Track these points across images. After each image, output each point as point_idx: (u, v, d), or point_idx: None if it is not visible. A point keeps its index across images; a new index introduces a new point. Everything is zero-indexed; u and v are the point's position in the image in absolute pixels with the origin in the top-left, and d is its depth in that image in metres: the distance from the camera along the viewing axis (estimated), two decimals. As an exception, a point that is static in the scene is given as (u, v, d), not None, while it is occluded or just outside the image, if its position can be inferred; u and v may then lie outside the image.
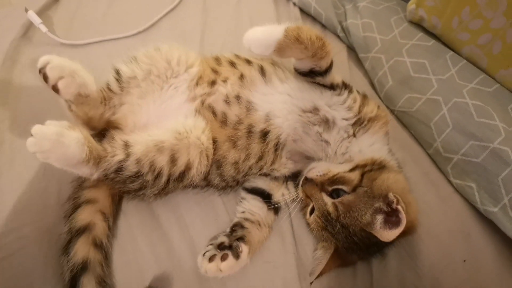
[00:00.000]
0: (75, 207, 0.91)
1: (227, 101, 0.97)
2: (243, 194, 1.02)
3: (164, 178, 0.88)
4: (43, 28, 1.33)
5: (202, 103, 0.98)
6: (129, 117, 0.97)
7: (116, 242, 0.95)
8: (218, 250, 0.86)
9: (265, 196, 1.01)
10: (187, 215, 1.00)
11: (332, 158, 0.97)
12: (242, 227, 0.93)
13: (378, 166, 0.92)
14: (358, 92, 1.00)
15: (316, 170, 0.93)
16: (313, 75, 0.92)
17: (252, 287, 0.91)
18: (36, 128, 0.77)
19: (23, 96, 1.17)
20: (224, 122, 0.96)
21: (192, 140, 0.90)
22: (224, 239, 0.90)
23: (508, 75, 1.08)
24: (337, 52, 1.40)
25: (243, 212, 0.98)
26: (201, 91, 1.00)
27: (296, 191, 0.98)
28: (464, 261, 0.95)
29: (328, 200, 0.89)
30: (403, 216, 0.78)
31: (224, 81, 1.00)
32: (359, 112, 0.96)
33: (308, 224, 0.97)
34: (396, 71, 1.21)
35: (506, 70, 1.07)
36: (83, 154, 0.79)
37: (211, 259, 0.84)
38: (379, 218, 0.82)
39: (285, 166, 1.00)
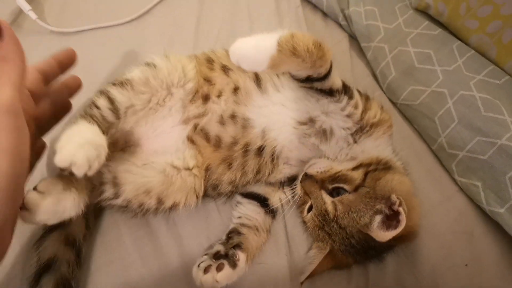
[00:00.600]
0: None
1: (221, 122, 0.90)
2: (239, 198, 0.97)
3: (152, 211, 0.87)
4: (33, 15, 1.29)
5: (195, 127, 0.92)
6: (121, 138, 0.91)
7: (100, 239, 0.91)
8: (214, 260, 0.81)
9: (261, 200, 0.96)
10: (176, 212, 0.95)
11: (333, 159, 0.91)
12: (239, 233, 0.89)
13: (383, 166, 0.86)
14: (360, 93, 0.90)
15: (317, 166, 0.87)
16: (311, 81, 0.81)
17: (242, 289, 0.87)
18: (29, 203, 0.68)
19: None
20: (217, 145, 0.91)
21: (177, 185, 0.87)
22: (219, 247, 0.85)
23: (519, 66, 1.01)
24: (338, 42, 1.33)
25: (240, 217, 0.93)
26: (195, 110, 0.92)
27: (292, 193, 0.93)
28: (466, 265, 0.89)
29: (327, 198, 0.84)
30: (403, 217, 0.73)
31: (218, 96, 0.92)
32: (361, 119, 0.87)
33: (304, 223, 0.92)
34: (399, 62, 1.14)
35: (517, 61, 1.00)
36: (79, 210, 0.76)
37: (206, 270, 0.79)
38: (378, 218, 0.77)
39: (281, 172, 0.94)
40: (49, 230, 0.84)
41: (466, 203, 0.97)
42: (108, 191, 0.82)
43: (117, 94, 0.83)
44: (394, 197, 0.77)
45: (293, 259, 0.91)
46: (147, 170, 0.87)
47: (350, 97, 0.85)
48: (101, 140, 0.74)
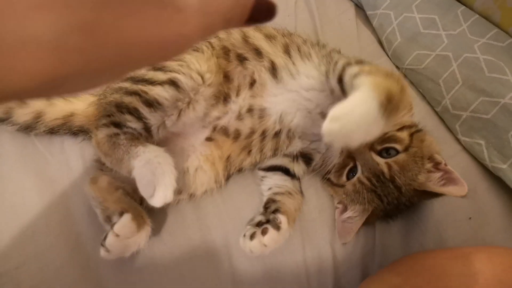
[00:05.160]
0: None
1: (239, 118, 0.91)
2: (262, 173, 0.99)
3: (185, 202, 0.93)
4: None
5: (214, 129, 0.92)
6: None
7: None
8: (257, 228, 0.82)
9: (283, 170, 0.97)
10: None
11: None
12: (274, 201, 0.90)
13: (418, 128, 0.90)
14: None
15: None
16: None
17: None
18: (110, 245, 0.75)
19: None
20: (236, 137, 0.92)
21: (201, 182, 0.91)
22: (260, 217, 0.87)
23: (523, 29, 1.03)
24: (344, 11, 1.34)
25: (270, 188, 0.95)
26: (216, 114, 0.91)
27: (329, 159, 0.93)
28: (470, 218, 0.93)
29: (379, 159, 0.84)
30: (456, 175, 0.81)
31: (237, 94, 0.91)
32: None
33: (336, 187, 0.92)
34: (405, 28, 1.16)
35: (521, 24, 1.03)
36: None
37: (252, 236, 0.80)
38: (437, 174, 0.84)
39: (293, 146, 0.95)
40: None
41: (469, 161, 1.01)
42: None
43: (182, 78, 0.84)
44: (438, 157, 0.84)
45: (325, 218, 0.95)
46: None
47: None
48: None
